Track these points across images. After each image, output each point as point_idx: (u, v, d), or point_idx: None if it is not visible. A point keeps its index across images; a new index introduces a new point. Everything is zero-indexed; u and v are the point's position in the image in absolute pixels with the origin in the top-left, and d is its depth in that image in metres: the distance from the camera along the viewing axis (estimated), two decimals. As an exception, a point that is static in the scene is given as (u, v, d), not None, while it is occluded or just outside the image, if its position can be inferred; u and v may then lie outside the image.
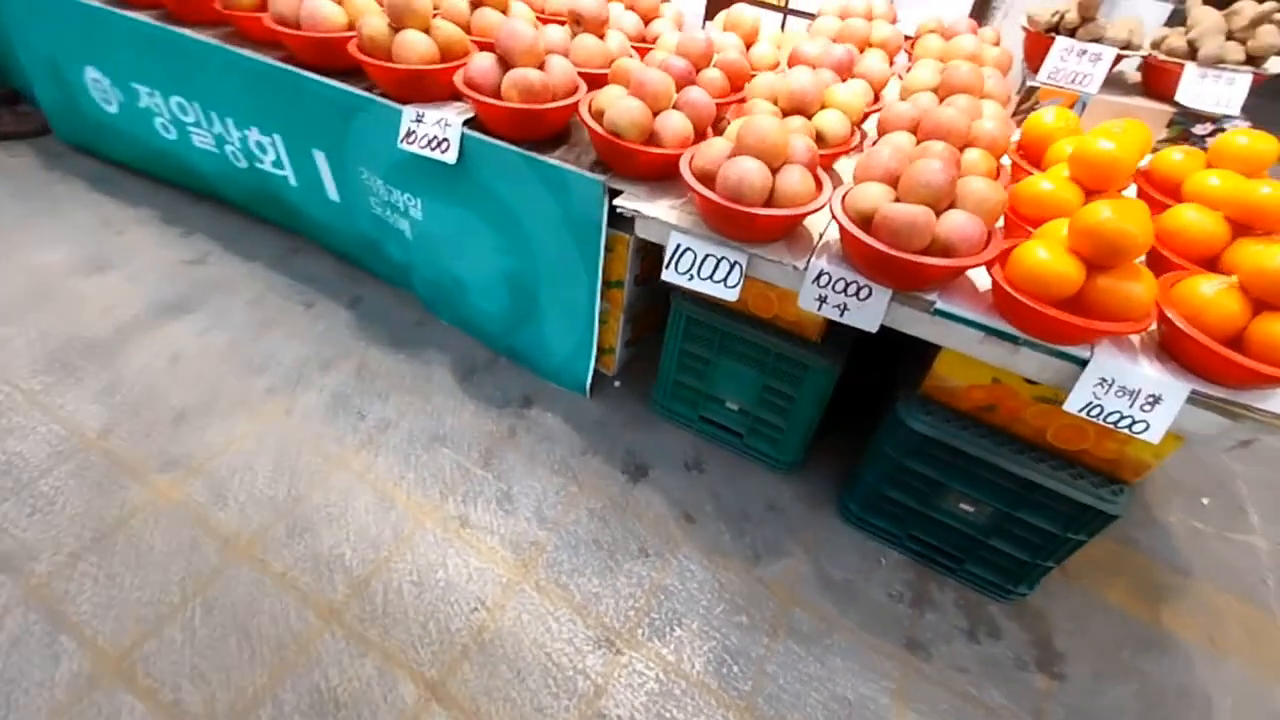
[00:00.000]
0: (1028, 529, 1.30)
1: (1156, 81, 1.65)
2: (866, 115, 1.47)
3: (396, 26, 1.42)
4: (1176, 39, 1.54)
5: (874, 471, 1.43)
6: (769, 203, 1.12)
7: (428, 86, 1.46)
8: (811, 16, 2.95)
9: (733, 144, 1.16)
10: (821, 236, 1.23)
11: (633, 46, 1.66)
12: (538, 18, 1.72)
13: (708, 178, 1.15)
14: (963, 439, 1.25)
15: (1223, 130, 1.58)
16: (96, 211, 2.21)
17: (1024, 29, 1.87)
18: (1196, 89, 1.51)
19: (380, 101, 1.50)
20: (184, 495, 1.43)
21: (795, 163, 1.14)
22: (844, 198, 1.13)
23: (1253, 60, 1.49)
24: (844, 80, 1.52)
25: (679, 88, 1.35)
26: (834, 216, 1.11)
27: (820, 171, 1.19)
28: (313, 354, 1.80)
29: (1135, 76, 1.78)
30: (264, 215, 2.19)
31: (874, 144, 1.34)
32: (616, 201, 1.28)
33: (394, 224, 1.78)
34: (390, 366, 1.80)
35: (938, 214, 1.04)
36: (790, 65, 1.64)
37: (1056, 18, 1.68)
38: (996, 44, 1.92)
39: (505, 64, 1.35)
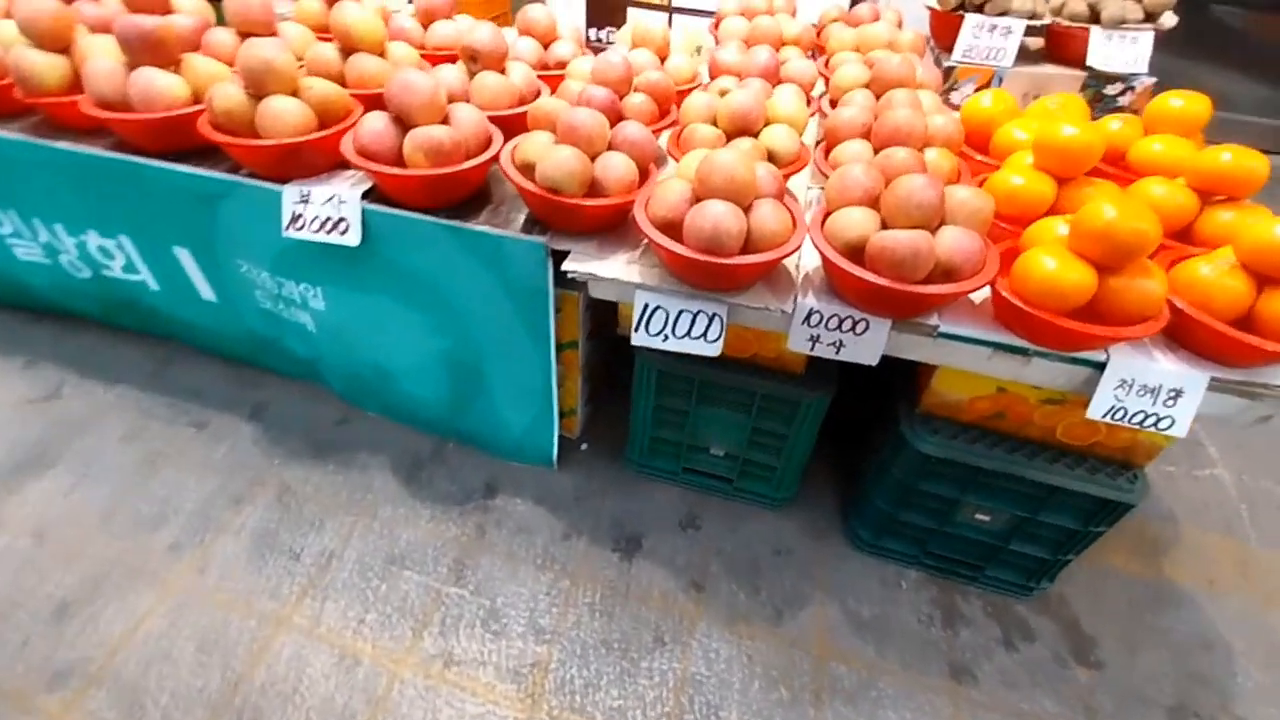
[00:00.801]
0: (1048, 529, 1.25)
1: (1062, 47, 1.67)
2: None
3: (257, 94, 1.17)
4: (1077, 4, 1.56)
5: (882, 496, 1.35)
6: (745, 246, 0.98)
7: (307, 159, 1.22)
8: (697, 14, 2.88)
9: (690, 184, 1.02)
10: (799, 269, 1.12)
11: (539, 77, 1.48)
12: (422, 57, 1.51)
13: (670, 227, 1.01)
14: (975, 455, 1.18)
15: (1132, 89, 1.62)
16: (-105, 356, 1.77)
17: (929, 8, 1.85)
18: (1105, 51, 1.54)
19: (249, 184, 1.25)
20: (86, 715, 1.12)
21: (764, 196, 1.02)
22: (823, 226, 1.02)
23: (1150, 17, 1.53)
24: (773, 87, 1.41)
25: (610, 122, 1.20)
26: (818, 249, 0.99)
27: (787, 199, 1.07)
28: (218, 488, 1.50)
29: (1036, 43, 1.81)
30: (123, 325, 1.83)
31: (823, 155, 1.25)
32: (567, 266, 1.11)
33: (291, 318, 1.51)
34: (318, 483, 1.53)
35: (932, 233, 0.94)
36: (712, 77, 1.53)
37: (961, -4, 1.66)
38: (899, 26, 1.90)
39: (402, 123, 1.14)
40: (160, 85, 1.21)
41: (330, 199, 1.20)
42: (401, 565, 1.38)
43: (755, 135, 1.24)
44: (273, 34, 1.48)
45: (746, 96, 1.21)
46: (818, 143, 1.34)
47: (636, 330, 1.12)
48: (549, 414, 1.46)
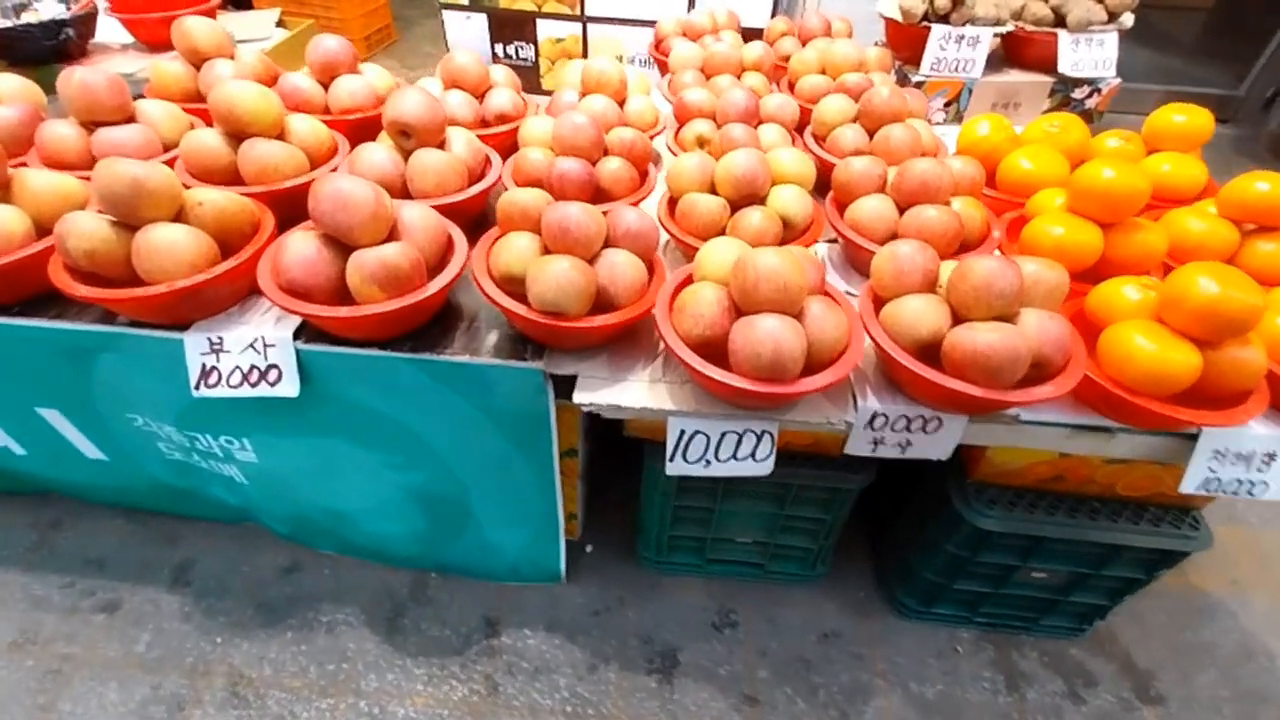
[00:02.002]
0: (1108, 580, 1.19)
1: (1023, 53, 1.61)
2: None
3: (129, 223, 0.87)
4: (1039, 7, 1.49)
5: (933, 568, 1.25)
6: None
7: (209, 296, 0.94)
8: (614, 22, 2.66)
9: (724, 290, 0.84)
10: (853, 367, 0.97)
11: (479, 137, 1.24)
12: (328, 124, 1.23)
13: (707, 345, 0.83)
14: (1037, 524, 1.09)
15: (1098, 91, 1.57)
16: None
17: (885, 19, 1.73)
18: (1073, 56, 1.48)
19: (133, 334, 0.95)
20: None
21: (814, 294, 0.85)
22: (878, 318, 0.87)
23: (1112, 17, 1.48)
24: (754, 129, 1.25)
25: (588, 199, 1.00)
26: (880, 349, 0.84)
27: (829, 286, 0.91)
28: (149, 694, 1.20)
29: (993, 48, 1.74)
30: (-21, 491, 1.45)
31: (835, 211, 1.10)
32: (580, 400, 0.90)
33: (211, 469, 1.22)
34: (277, 662, 1.25)
35: (1013, 321, 0.82)
36: (681, 120, 1.34)
37: (926, 5, 1.55)
38: (849, 35, 1.78)
39: (337, 243, 0.89)
40: (-17, 224, 0.88)
41: (251, 344, 0.93)
42: (406, 753, 1.14)
43: (763, 200, 1.07)
44: (129, 119, 1.16)
45: (749, 160, 1.04)
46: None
47: (672, 459, 0.94)
48: (553, 529, 1.25)
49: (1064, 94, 1.58)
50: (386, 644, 1.29)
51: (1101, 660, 1.33)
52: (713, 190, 1.09)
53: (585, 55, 2.76)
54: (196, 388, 0.95)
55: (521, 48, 2.79)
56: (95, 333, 0.96)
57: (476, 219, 1.21)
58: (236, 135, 1.11)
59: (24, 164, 1.10)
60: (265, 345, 0.93)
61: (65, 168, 1.09)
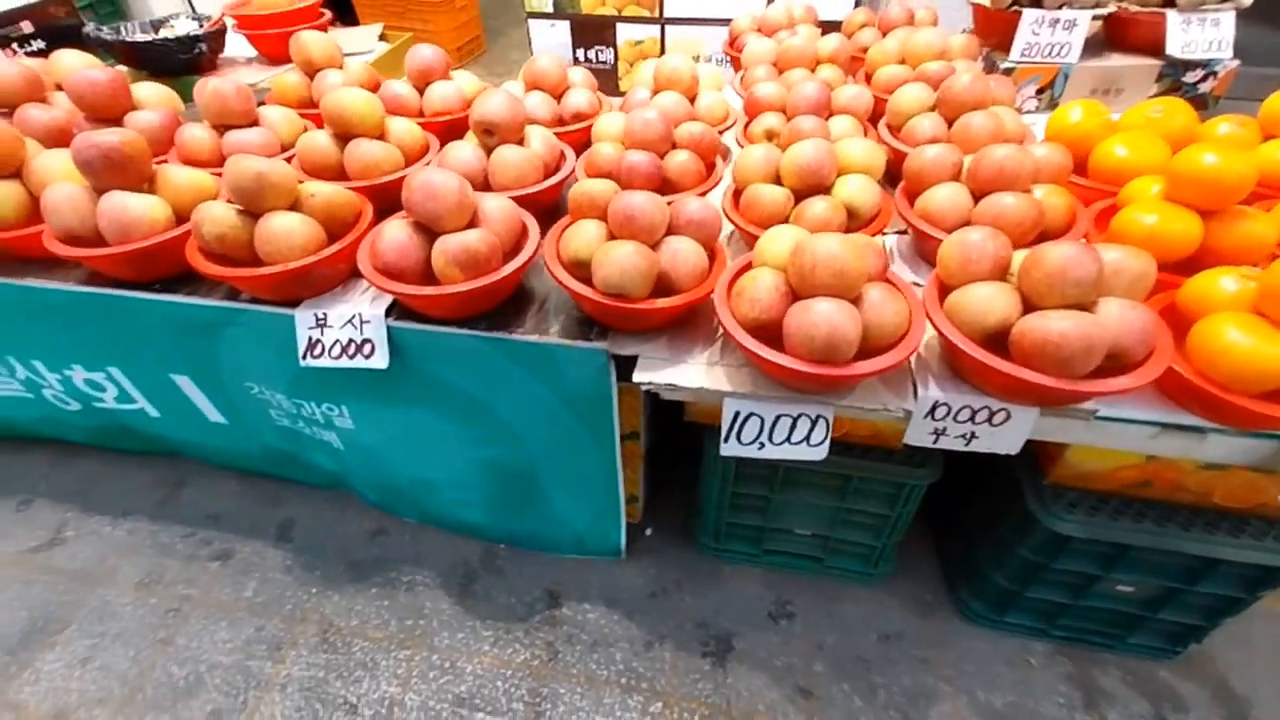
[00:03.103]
0: (1203, 597, 1.10)
1: (1127, 35, 1.50)
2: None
3: (253, 211, 1.00)
4: (1143, -12, 1.40)
5: (1004, 572, 1.20)
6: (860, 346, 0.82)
7: (318, 277, 1.05)
8: (693, 23, 2.70)
9: (780, 274, 0.86)
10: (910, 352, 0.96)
11: (557, 134, 1.31)
12: (423, 126, 1.33)
13: (763, 329, 0.84)
14: (1121, 531, 1.03)
15: (1214, 74, 1.45)
16: (-125, 512, 1.60)
17: (973, 4, 1.68)
18: (1184, 38, 1.38)
19: (253, 310, 1.08)
20: None
21: (874, 280, 0.85)
22: (943, 306, 0.86)
23: (1228, -5, 1.37)
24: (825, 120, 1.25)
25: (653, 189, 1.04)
26: (944, 337, 0.83)
27: (891, 274, 0.91)
28: (254, 634, 1.34)
29: (1093, 31, 1.63)
30: (123, 449, 1.66)
31: (905, 200, 1.08)
32: (639, 378, 0.95)
33: (314, 435, 1.35)
34: (364, 613, 1.37)
35: (1091, 309, 0.78)
36: (749, 114, 1.36)
37: (1015, -10, 1.49)
38: (934, 24, 1.72)
39: (426, 230, 0.97)
40: (134, 212, 1.03)
41: (351, 319, 1.03)
42: (472, 708, 1.22)
43: (828, 190, 1.07)
44: (254, 123, 1.31)
45: (815, 150, 1.04)
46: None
47: (726, 440, 0.96)
48: (614, 507, 1.30)
49: (1174, 78, 1.47)
50: (458, 606, 1.38)
51: (1193, 684, 1.23)
52: (777, 181, 1.10)
53: (663, 56, 2.81)
54: (303, 358, 1.06)
55: (601, 51, 2.87)
56: (221, 308, 1.09)
57: (551, 209, 1.27)
58: (344, 136, 1.23)
59: (165, 161, 1.26)
60: (362, 321, 1.03)
61: (200, 165, 1.24)
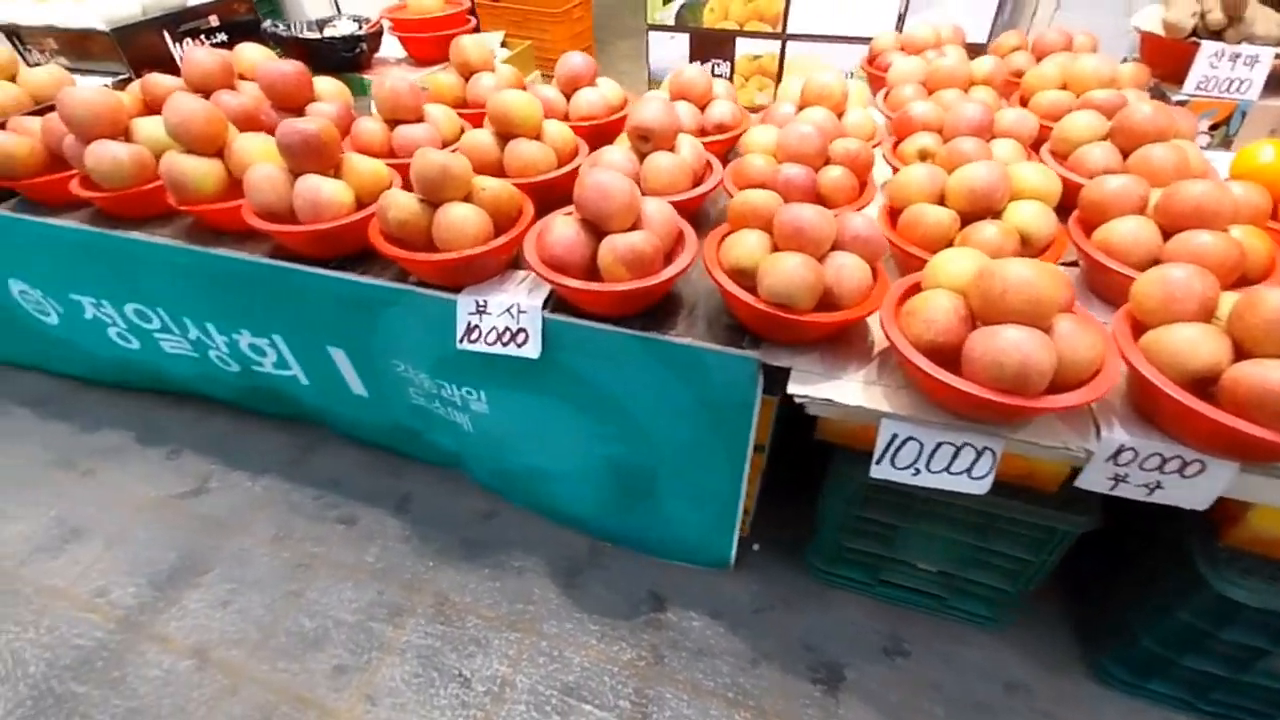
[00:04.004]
0: (1398, 691, 0.99)
1: (1316, 72, 1.39)
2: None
3: (432, 200, 1.06)
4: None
5: (1157, 635, 1.11)
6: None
7: (480, 265, 1.10)
8: (813, 39, 2.68)
9: (960, 298, 0.84)
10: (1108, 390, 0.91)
11: (704, 146, 1.33)
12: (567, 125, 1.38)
13: (938, 352, 0.82)
14: (1309, 605, 0.94)
15: None
16: (51, 447, 1.79)
17: (1140, 32, 1.59)
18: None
19: (419, 293, 1.15)
20: None
21: (1064, 310, 0.82)
22: (1140, 346, 0.81)
23: None
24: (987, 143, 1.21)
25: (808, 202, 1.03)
26: (1141, 380, 0.79)
27: (1079, 307, 0.87)
28: (375, 598, 1.41)
29: (1274, 69, 1.51)
30: (264, 411, 1.80)
31: (1080, 232, 1.03)
32: (795, 391, 0.94)
33: (444, 415, 1.41)
34: (476, 592, 1.42)
35: (1316, 363, 0.72)
36: (900, 135, 1.33)
37: (1196, 20, 1.40)
38: (1094, 50, 1.65)
39: (593, 228, 1.01)
40: (326, 194, 1.12)
41: (510, 308, 1.08)
42: (579, 698, 1.24)
43: (998, 215, 1.04)
44: (420, 119, 1.39)
45: (989, 173, 1.01)
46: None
47: (879, 463, 0.94)
48: (731, 518, 1.30)
49: (1374, 118, 1.34)
50: (565, 596, 1.41)
51: (1372, 791, 1.10)
52: (940, 202, 1.08)
53: (780, 72, 2.81)
54: (460, 341, 1.12)
55: (718, 65, 2.90)
56: (390, 288, 1.17)
57: (695, 217, 1.29)
58: (505, 135, 1.29)
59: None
60: (519, 311, 1.08)
61: (371, 154, 1.33)
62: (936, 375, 0.80)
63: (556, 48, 4.10)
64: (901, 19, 2.48)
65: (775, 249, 0.96)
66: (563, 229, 1.00)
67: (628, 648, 1.32)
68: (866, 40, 2.55)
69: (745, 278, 0.96)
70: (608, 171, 0.98)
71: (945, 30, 1.73)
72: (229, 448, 1.77)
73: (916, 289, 0.94)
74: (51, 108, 1.54)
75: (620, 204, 0.96)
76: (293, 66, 1.40)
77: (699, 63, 2.91)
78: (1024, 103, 1.48)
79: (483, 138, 1.29)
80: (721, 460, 1.18)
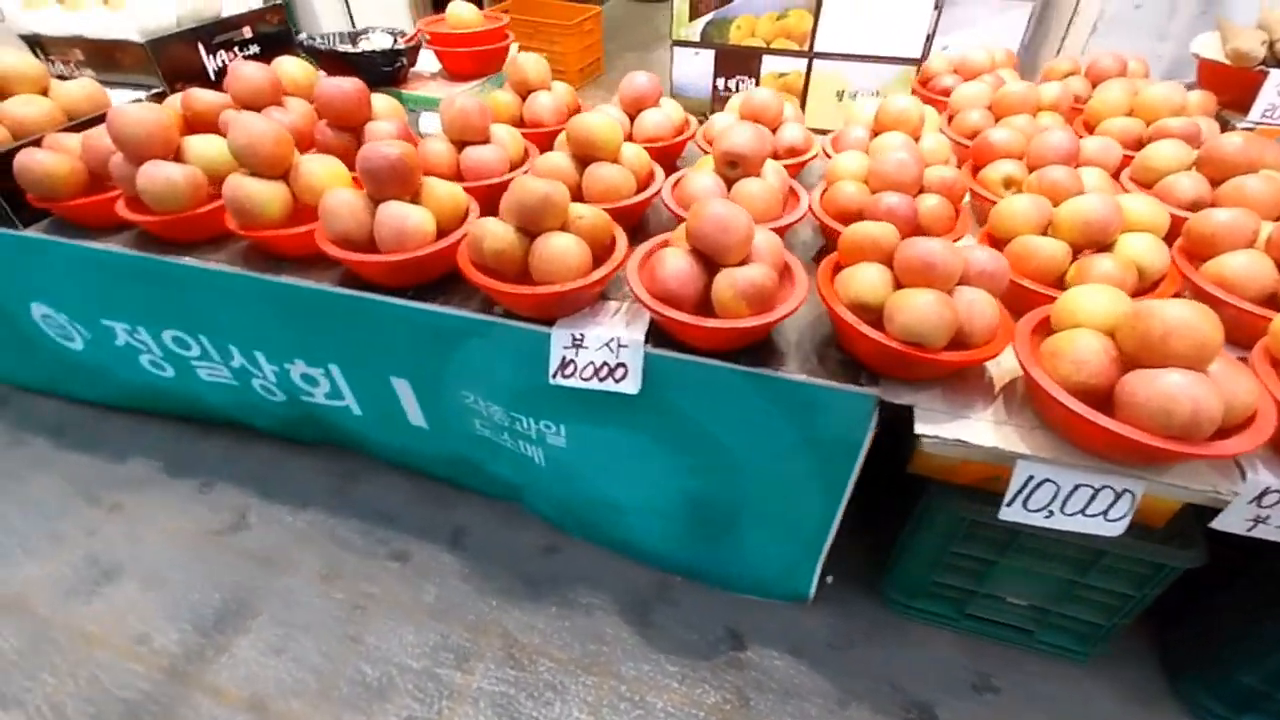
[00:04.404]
0: None
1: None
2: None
3: (530, 230, 1.01)
4: None
5: (1260, 675, 1.10)
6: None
7: (578, 300, 1.06)
8: (841, 58, 2.68)
9: (1108, 338, 0.82)
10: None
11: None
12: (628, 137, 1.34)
13: (1087, 396, 0.80)
14: None
15: None
16: (74, 479, 1.69)
17: (1200, 59, 1.61)
18: None
19: (507, 325, 1.10)
20: None
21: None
22: (1288, 387, 0.80)
23: None
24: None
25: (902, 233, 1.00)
26: (1294, 422, 0.77)
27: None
28: (439, 641, 1.35)
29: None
30: (304, 439, 1.72)
31: (1190, 266, 1.02)
32: (924, 432, 0.91)
33: (511, 448, 1.36)
34: (545, 632, 1.36)
35: None
36: (978, 161, 1.32)
37: (1265, 49, 1.42)
38: (1147, 75, 1.66)
39: (705, 260, 0.97)
40: (413, 222, 1.06)
41: (609, 342, 1.04)
42: (666, 747, 1.19)
43: (1109, 249, 1.02)
44: (487, 140, 1.35)
45: (1102, 205, 1.00)
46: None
47: (1010, 505, 0.91)
48: (815, 553, 1.26)
49: None
50: (639, 635, 1.35)
51: None
52: (1043, 233, 1.06)
53: (806, 90, 2.81)
54: (553, 376, 1.07)
55: (743, 82, 2.89)
56: (475, 320, 1.11)
57: (779, 245, 1.26)
58: (583, 158, 1.25)
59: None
60: (619, 345, 1.03)
61: (439, 177, 1.28)
62: (1095, 420, 0.77)
63: (567, 60, 4.08)
64: (930, 40, 2.50)
65: (897, 283, 0.93)
66: (676, 262, 0.95)
67: (711, 690, 1.27)
68: (894, 60, 2.61)
69: (866, 313, 0.93)
70: (724, 203, 0.94)
71: (999, 54, 1.73)
72: (266, 478, 1.69)
73: (1046, 325, 0.92)
74: (87, 124, 1.48)
75: (741, 237, 0.93)
76: (352, 84, 1.34)
77: (723, 79, 2.90)
78: (1089, 129, 1.48)
79: (560, 161, 1.25)
80: (816, 496, 1.14)
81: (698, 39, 2.84)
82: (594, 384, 1.06)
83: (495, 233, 1.00)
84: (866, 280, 0.94)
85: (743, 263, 0.96)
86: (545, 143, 1.45)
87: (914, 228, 1.09)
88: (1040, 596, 1.21)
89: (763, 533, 1.27)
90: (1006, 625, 1.30)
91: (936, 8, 2.43)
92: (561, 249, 0.99)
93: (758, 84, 2.87)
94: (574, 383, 1.07)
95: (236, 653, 1.33)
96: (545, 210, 0.99)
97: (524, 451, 1.34)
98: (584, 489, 1.36)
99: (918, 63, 2.55)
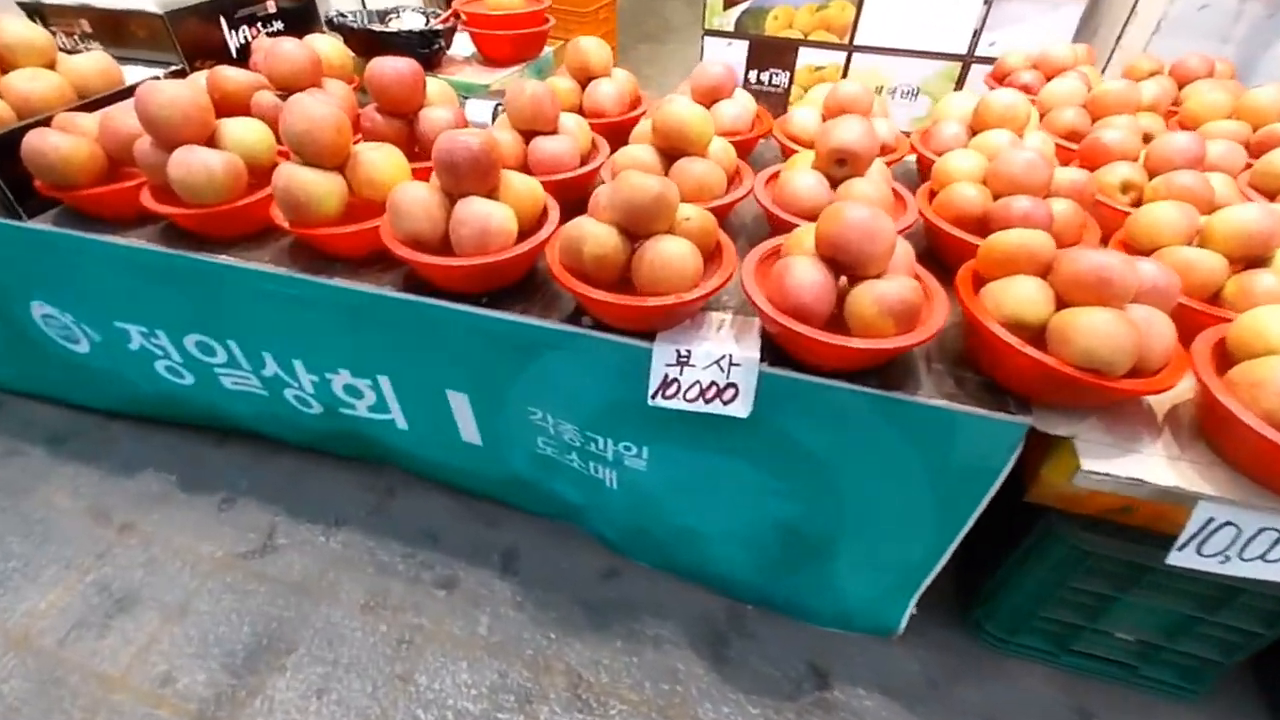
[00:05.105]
0: None
1: None
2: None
3: (638, 233, 0.90)
4: None
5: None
6: None
7: (682, 312, 0.95)
8: (882, 51, 2.59)
9: (1316, 367, 0.72)
10: None
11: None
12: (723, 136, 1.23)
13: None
14: None
15: None
16: (79, 494, 1.54)
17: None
18: None
19: (599, 338, 0.98)
20: None
21: None
22: None
23: None
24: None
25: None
26: None
27: None
28: (498, 681, 1.23)
29: None
30: (334, 451, 1.58)
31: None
32: (1093, 468, 0.81)
33: (577, 467, 1.24)
34: (612, 669, 1.25)
35: None
36: (1089, 162, 1.23)
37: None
38: (1233, 77, 1.59)
39: (838, 269, 0.86)
40: (497, 222, 0.94)
41: (720, 359, 0.92)
42: (758, 799, 1.09)
43: (1267, 263, 0.93)
44: (555, 130, 1.22)
45: (1262, 215, 0.91)
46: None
47: (1181, 549, 0.82)
48: (914, 586, 1.17)
49: None
50: (715, 672, 1.25)
51: None
52: (1189, 243, 0.97)
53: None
54: (653, 397, 0.96)
55: (776, 74, 2.78)
56: (561, 332, 0.99)
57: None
58: (668, 152, 1.13)
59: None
60: (731, 364, 0.92)
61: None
62: (1317, 463, 0.68)
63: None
64: (977, 35, 2.41)
65: (1059, 300, 0.84)
66: (809, 273, 0.84)
67: (801, 734, 1.17)
68: (938, 56, 2.52)
69: (1021, 332, 0.83)
70: (864, 207, 0.84)
71: (1080, 50, 1.65)
72: (292, 494, 1.55)
73: (1221, 349, 0.83)
74: (99, 103, 1.33)
75: (886, 246, 0.82)
76: (408, 66, 1.20)
77: (756, 71, 2.79)
78: (1183, 129, 1.40)
79: (643, 155, 1.13)
80: (930, 527, 1.05)
81: (731, 29, 2.73)
82: (699, 406, 0.95)
83: (597, 236, 0.88)
84: (1025, 296, 0.84)
85: (879, 274, 0.86)
86: (607, 134, 1.33)
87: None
88: (1155, 632, 1.13)
89: (856, 563, 1.17)
90: (1109, 660, 1.22)
91: (986, 3, 2.34)
92: (676, 255, 0.87)
93: (791, 77, 2.77)
94: (676, 404, 0.95)
95: (273, 695, 1.20)
96: (659, 211, 0.87)
97: (593, 473, 1.23)
98: (658, 513, 1.25)
99: (963, 59, 2.47)
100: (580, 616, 1.33)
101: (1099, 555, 1.04)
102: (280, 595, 1.36)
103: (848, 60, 2.66)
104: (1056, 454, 0.90)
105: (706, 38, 2.79)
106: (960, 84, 2.50)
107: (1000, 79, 1.69)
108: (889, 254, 0.84)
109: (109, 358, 1.45)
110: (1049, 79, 1.60)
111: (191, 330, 1.30)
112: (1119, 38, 2.24)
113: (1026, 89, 1.59)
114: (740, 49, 2.78)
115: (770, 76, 2.80)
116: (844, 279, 0.87)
